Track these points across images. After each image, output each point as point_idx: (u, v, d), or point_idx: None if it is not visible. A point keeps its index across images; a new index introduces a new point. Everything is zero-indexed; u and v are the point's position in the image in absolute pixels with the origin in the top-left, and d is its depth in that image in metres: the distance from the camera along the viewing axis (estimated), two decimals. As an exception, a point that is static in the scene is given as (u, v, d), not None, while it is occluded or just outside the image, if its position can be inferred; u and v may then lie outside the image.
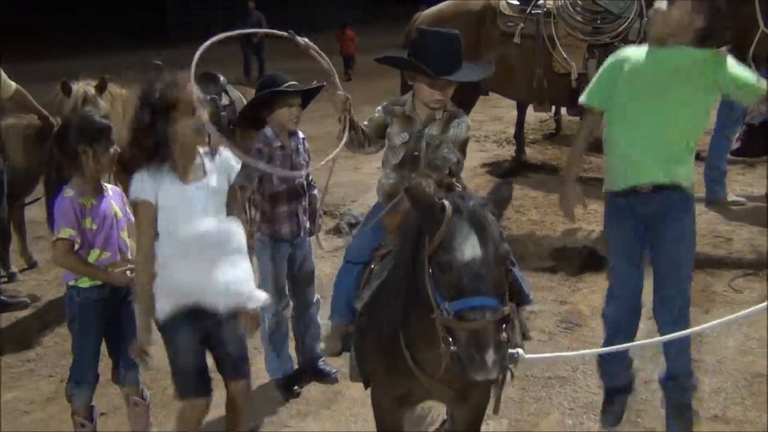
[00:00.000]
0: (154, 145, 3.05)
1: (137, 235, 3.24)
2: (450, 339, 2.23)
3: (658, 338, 3.34)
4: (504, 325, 2.26)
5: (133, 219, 3.41)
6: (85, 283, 3.41)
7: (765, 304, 2.62)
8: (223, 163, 3.23)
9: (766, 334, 4.43)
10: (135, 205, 3.15)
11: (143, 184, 3.07)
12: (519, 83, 6.75)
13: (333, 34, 19.32)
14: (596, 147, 8.68)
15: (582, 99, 3.62)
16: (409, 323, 2.57)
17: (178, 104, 3.01)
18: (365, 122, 3.34)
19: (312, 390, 4.26)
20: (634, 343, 3.53)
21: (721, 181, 6.94)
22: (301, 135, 4.27)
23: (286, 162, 4.08)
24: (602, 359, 3.79)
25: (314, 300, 4.34)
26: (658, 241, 3.49)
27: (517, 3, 6.60)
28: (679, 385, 3.55)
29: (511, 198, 2.53)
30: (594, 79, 3.61)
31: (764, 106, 6.41)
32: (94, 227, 3.39)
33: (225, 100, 6.14)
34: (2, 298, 5.54)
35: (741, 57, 5.99)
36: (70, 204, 3.32)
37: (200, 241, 3.09)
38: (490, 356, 2.15)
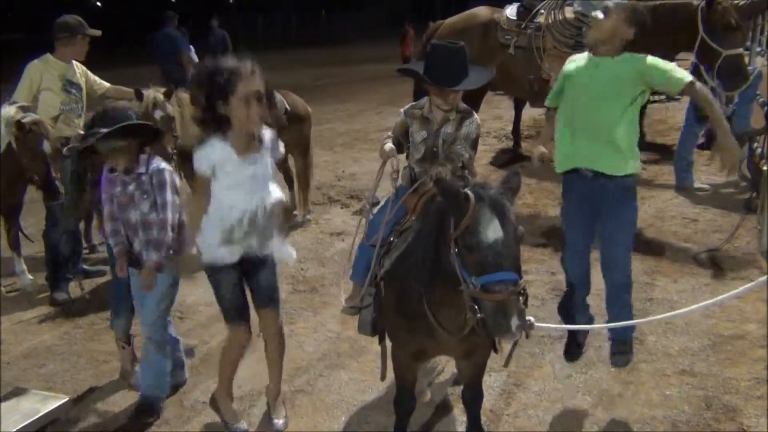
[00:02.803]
0: (217, 121, 3.06)
1: (193, 196, 3.34)
2: (476, 308, 2.25)
3: (647, 319, 3.31)
4: (521, 295, 2.28)
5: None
6: None
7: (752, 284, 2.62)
8: (270, 142, 3.23)
9: (727, 301, 4.39)
10: (196, 174, 3.18)
11: (201, 158, 3.10)
12: (516, 86, 6.78)
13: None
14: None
15: (546, 101, 3.81)
16: (432, 290, 2.56)
17: (241, 88, 2.98)
18: (389, 133, 3.40)
19: (342, 345, 4.26)
20: (632, 322, 3.48)
21: (689, 171, 6.93)
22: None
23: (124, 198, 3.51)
24: (566, 306, 3.84)
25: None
26: (603, 221, 3.50)
27: (515, 18, 6.57)
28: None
29: (521, 185, 2.52)
30: (555, 84, 3.71)
31: (726, 105, 6.34)
32: None
33: None
34: (85, 267, 5.59)
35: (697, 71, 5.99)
36: None
37: (248, 207, 3.13)
38: (514, 321, 2.18)
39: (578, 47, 6.04)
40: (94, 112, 3.76)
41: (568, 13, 6.25)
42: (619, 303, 3.54)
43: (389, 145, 3.28)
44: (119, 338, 3.96)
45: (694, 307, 3.06)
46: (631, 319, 3.49)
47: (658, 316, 3.70)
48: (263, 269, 3.31)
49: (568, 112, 3.54)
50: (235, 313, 3.33)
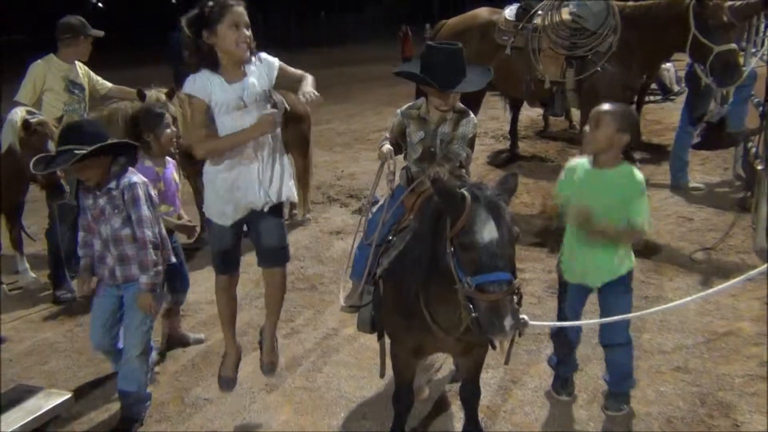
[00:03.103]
0: (206, 52, 3.11)
1: (191, 124, 3.37)
2: (471, 307, 2.26)
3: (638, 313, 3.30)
4: (515, 295, 2.29)
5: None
6: None
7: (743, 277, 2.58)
8: (264, 66, 3.25)
9: (721, 299, 4.42)
10: (189, 99, 3.22)
11: (196, 84, 3.14)
12: (513, 86, 6.76)
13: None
14: (572, 140, 8.60)
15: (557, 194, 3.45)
16: (429, 289, 2.58)
17: (223, 18, 3.03)
18: (387, 134, 3.40)
19: (341, 343, 4.27)
20: (627, 316, 3.36)
21: (684, 171, 6.93)
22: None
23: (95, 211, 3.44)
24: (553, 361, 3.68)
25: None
26: (604, 308, 3.37)
27: (513, 19, 6.57)
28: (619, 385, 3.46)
29: (517, 187, 2.53)
30: (558, 182, 3.42)
31: (720, 106, 6.36)
32: (163, 188, 3.93)
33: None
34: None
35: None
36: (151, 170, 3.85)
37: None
38: (508, 321, 2.19)
39: (573, 48, 6.07)
40: (66, 125, 3.78)
41: (565, 14, 6.26)
42: (624, 363, 3.42)
43: (387, 147, 3.29)
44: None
45: (688, 299, 3.07)
46: (632, 376, 3.44)
47: (652, 309, 3.59)
48: (264, 223, 3.33)
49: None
50: (219, 262, 3.43)
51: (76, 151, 3.21)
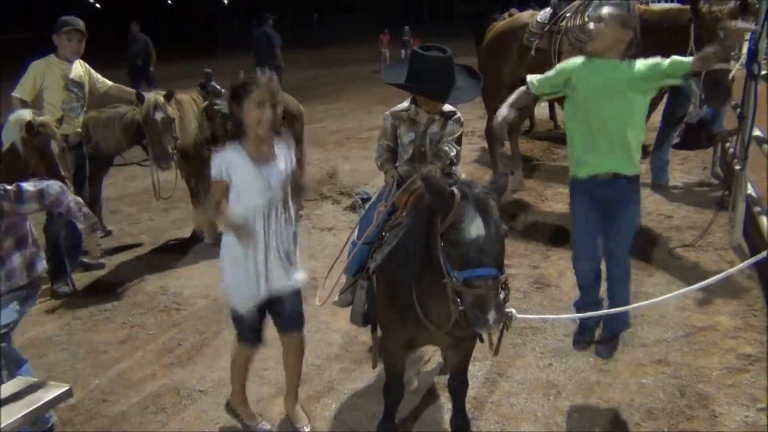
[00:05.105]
0: (233, 128, 2.99)
1: (212, 203, 3.09)
2: (458, 300, 2.27)
3: (634, 306, 3.33)
4: (502, 290, 2.30)
5: None
6: None
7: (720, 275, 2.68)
8: (285, 150, 3.09)
9: (701, 294, 4.43)
10: (213, 182, 3.02)
11: (218, 164, 2.96)
12: None
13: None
14: (564, 140, 8.64)
15: (529, 79, 3.65)
16: (421, 284, 2.57)
17: (257, 95, 2.90)
18: (380, 141, 3.40)
19: (333, 336, 4.26)
20: (616, 310, 3.49)
21: (665, 169, 6.94)
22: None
23: None
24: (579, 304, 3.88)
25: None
26: (611, 219, 3.52)
27: (542, 21, 6.42)
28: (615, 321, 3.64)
29: (507, 186, 2.53)
30: (548, 72, 3.61)
31: (699, 107, 6.37)
32: None
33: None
34: (84, 260, 5.56)
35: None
36: None
37: (266, 214, 2.98)
38: (492, 315, 2.20)
39: None
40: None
41: (586, 17, 6.17)
42: (623, 294, 3.64)
43: (393, 172, 3.28)
44: None
45: (688, 289, 3.14)
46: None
47: (636, 304, 3.67)
48: (287, 297, 3.15)
49: (581, 116, 3.46)
50: (246, 333, 3.19)
51: None
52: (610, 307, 3.61)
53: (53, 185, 3.21)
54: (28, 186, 3.13)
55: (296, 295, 3.20)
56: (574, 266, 3.84)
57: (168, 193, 5.75)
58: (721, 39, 5.03)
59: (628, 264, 3.56)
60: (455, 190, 2.31)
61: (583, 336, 3.87)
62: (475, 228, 2.25)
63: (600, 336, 3.65)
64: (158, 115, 5.19)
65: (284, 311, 3.19)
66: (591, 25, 3.38)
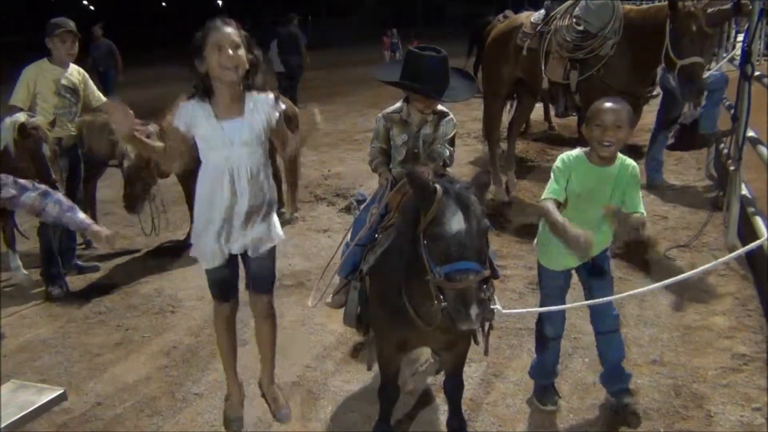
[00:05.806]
0: (199, 81, 2.86)
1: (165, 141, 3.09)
2: (441, 296, 2.25)
3: (620, 296, 3.25)
4: (485, 286, 2.28)
5: None
6: None
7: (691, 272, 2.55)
8: (262, 104, 2.94)
9: (696, 294, 4.44)
10: (168, 126, 3.01)
11: (179, 115, 2.88)
12: (532, 85, 6.67)
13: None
14: (558, 141, 8.62)
15: (546, 197, 3.06)
16: (410, 283, 2.56)
17: (207, 40, 2.77)
18: (372, 143, 3.38)
19: (328, 338, 4.24)
20: (610, 298, 3.22)
21: (659, 170, 6.95)
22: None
23: None
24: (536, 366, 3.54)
25: None
26: (589, 288, 3.27)
27: (535, 22, 6.41)
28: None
29: (490, 183, 2.51)
30: (552, 178, 3.14)
31: (694, 108, 6.38)
32: None
33: None
34: (79, 263, 5.54)
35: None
36: None
37: (230, 171, 2.89)
38: (474, 310, 2.17)
39: (576, 50, 5.92)
40: None
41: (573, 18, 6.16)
42: (619, 348, 3.34)
43: (388, 176, 3.26)
44: None
45: (663, 282, 3.08)
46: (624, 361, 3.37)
47: (632, 291, 3.47)
48: (256, 257, 3.12)
49: (573, 210, 3.10)
50: (216, 290, 3.21)
51: None
52: (606, 371, 3.40)
53: (30, 194, 3.20)
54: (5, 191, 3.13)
55: (265, 256, 3.14)
56: (537, 326, 3.47)
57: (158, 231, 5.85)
58: (695, 35, 4.93)
59: (617, 315, 3.31)
60: (437, 185, 2.31)
61: (544, 396, 3.47)
62: (456, 222, 2.23)
63: (614, 403, 3.39)
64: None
65: (251, 271, 3.17)
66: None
